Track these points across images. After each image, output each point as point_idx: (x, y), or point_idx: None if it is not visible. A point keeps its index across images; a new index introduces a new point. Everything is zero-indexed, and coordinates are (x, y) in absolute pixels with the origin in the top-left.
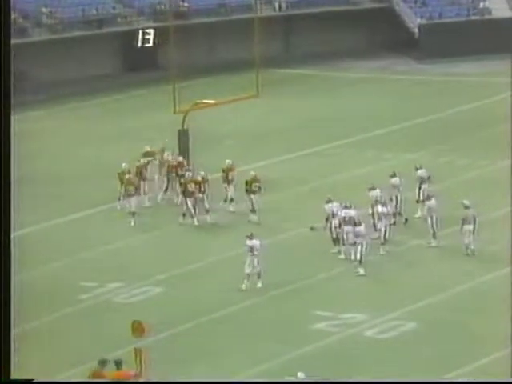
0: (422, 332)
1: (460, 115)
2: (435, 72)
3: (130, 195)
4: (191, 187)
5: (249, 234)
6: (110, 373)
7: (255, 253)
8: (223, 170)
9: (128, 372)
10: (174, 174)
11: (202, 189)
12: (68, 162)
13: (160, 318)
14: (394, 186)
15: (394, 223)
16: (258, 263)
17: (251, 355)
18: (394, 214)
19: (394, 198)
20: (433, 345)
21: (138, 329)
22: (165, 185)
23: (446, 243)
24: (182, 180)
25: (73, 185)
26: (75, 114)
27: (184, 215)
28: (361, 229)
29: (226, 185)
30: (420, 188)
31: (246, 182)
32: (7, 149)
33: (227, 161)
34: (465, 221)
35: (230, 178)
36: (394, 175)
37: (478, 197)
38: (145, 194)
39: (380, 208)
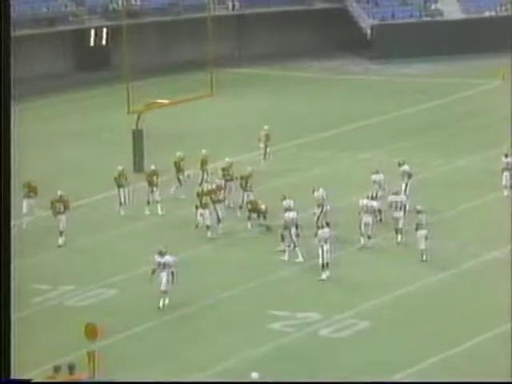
0: (375, 330)
1: (413, 115)
2: (388, 72)
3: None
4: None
5: (163, 249)
6: (63, 376)
7: (168, 270)
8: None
9: (80, 376)
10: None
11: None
12: (15, 164)
13: (114, 321)
14: (375, 182)
15: (381, 220)
16: (170, 281)
17: (207, 355)
18: (380, 211)
19: (375, 195)
20: (385, 343)
21: (91, 332)
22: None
23: (402, 243)
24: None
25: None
26: (25, 115)
27: (197, 226)
28: (325, 231)
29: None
30: (407, 184)
31: (241, 178)
32: (7, 149)
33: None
34: (419, 226)
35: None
36: (376, 172)
37: (432, 197)
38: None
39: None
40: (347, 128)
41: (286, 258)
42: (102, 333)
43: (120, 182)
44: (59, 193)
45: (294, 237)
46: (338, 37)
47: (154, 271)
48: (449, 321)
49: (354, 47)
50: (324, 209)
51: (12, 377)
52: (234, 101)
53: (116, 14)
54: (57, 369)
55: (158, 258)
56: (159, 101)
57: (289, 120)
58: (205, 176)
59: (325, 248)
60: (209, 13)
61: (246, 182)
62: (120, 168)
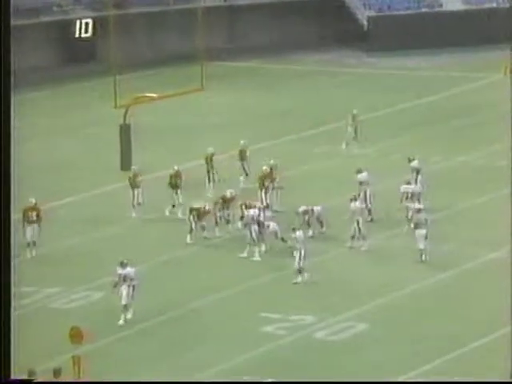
0: (373, 333)
1: (411, 110)
2: (385, 65)
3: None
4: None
5: (124, 260)
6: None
7: (130, 282)
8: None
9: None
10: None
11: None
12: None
13: (100, 324)
14: (362, 183)
15: (371, 220)
16: (131, 295)
17: (197, 359)
18: (370, 211)
19: (362, 194)
20: (383, 347)
21: (76, 335)
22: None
23: (398, 243)
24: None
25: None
26: None
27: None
28: (298, 235)
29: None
30: (417, 179)
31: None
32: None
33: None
34: (417, 225)
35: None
36: (360, 171)
37: (430, 195)
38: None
39: (353, 204)
40: (343, 123)
41: (258, 257)
42: (88, 336)
43: (135, 182)
44: (33, 200)
45: (253, 234)
46: (333, 29)
47: (116, 284)
48: (449, 324)
49: (350, 39)
50: (312, 209)
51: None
52: (225, 95)
53: (102, 4)
54: (31, 374)
55: (119, 270)
56: (147, 95)
57: (282, 114)
58: (246, 168)
59: (302, 251)
60: (199, 3)
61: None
62: (135, 168)
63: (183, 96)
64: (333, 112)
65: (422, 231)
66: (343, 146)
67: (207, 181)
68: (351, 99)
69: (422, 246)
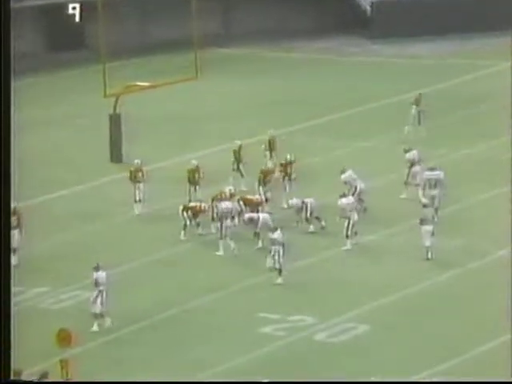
0: (375, 335)
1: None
2: (389, 53)
3: None
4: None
5: (99, 263)
6: None
7: (101, 287)
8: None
9: None
10: None
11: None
12: None
13: (90, 326)
14: (346, 183)
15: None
16: (105, 303)
17: (194, 360)
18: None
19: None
20: (385, 349)
21: (65, 338)
22: None
23: (402, 240)
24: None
25: None
26: None
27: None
28: (277, 235)
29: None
30: (410, 170)
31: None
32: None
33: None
34: (423, 221)
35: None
36: (343, 171)
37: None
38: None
39: (345, 200)
40: (344, 114)
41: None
42: (77, 339)
43: (136, 177)
44: (12, 205)
45: (223, 229)
46: (334, 14)
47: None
48: (454, 325)
49: (352, 25)
50: (304, 201)
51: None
52: (220, 84)
53: None
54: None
55: (93, 274)
56: (139, 83)
57: (280, 105)
58: (273, 157)
59: (281, 251)
60: None
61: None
62: (137, 161)
63: (176, 85)
64: (334, 102)
65: (429, 227)
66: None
67: (238, 174)
68: (353, 88)
69: (427, 244)
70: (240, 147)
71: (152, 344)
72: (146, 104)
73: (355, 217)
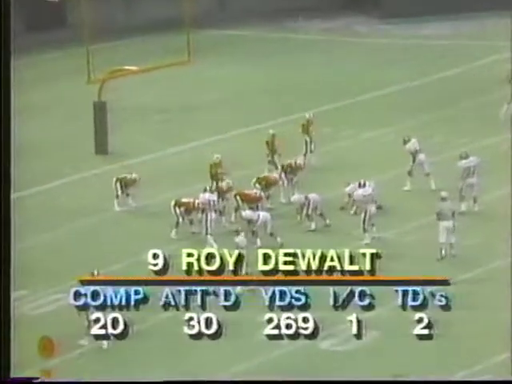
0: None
1: (429, 85)
2: (400, 34)
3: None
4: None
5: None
6: None
7: None
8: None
9: None
10: None
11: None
12: None
13: (71, 333)
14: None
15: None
16: None
17: (188, 368)
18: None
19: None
20: (395, 357)
21: (46, 347)
22: None
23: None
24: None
25: None
26: None
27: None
28: (241, 239)
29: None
30: (414, 161)
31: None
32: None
33: None
34: (441, 216)
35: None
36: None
37: (455, 182)
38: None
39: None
40: (350, 101)
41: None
42: (59, 347)
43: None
44: None
45: (208, 222)
46: None
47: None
48: (472, 332)
49: (360, 4)
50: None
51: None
52: (216, 68)
53: None
54: None
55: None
56: (126, 68)
57: (281, 92)
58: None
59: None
60: None
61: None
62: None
63: (167, 69)
64: (342, 87)
65: (447, 223)
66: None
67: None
68: (362, 72)
69: (443, 240)
70: (273, 137)
71: (139, 352)
72: (134, 91)
73: (372, 209)
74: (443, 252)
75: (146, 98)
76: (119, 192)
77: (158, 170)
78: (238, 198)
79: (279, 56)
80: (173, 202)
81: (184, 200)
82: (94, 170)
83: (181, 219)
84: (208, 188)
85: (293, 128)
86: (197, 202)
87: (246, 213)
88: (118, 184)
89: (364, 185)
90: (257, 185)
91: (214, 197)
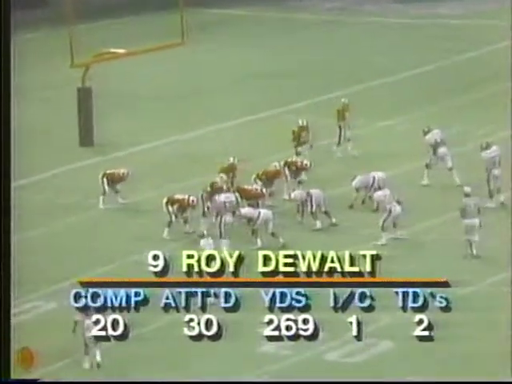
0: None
1: (445, 70)
2: (412, 14)
3: None
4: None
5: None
6: None
7: None
8: None
9: None
10: None
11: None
12: None
13: (52, 343)
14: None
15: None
16: None
17: (188, 369)
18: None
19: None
20: (412, 369)
21: (26, 358)
22: None
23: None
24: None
25: None
26: None
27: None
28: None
29: None
30: (435, 153)
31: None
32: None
33: None
34: (464, 213)
35: None
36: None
37: (475, 177)
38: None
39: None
40: (358, 88)
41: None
42: (38, 359)
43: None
44: None
45: (222, 227)
46: None
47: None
48: (497, 340)
49: None
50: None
51: None
52: (212, 51)
53: None
54: None
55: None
56: (113, 50)
57: (284, 77)
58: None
59: None
60: None
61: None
62: None
63: (159, 52)
64: (349, 73)
65: (472, 220)
66: None
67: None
68: (372, 56)
69: (467, 237)
70: (301, 128)
71: (130, 359)
72: (122, 75)
73: (397, 208)
74: (470, 251)
75: (136, 83)
76: (106, 188)
77: (148, 163)
78: (236, 194)
79: (280, 38)
80: (165, 200)
81: (177, 197)
82: (78, 163)
83: (173, 218)
84: (225, 187)
85: (301, 115)
86: (191, 199)
87: (245, 210)
88: (105, 179)
89: (379, 187)
90: (257, 180)
91: (232, 197)
